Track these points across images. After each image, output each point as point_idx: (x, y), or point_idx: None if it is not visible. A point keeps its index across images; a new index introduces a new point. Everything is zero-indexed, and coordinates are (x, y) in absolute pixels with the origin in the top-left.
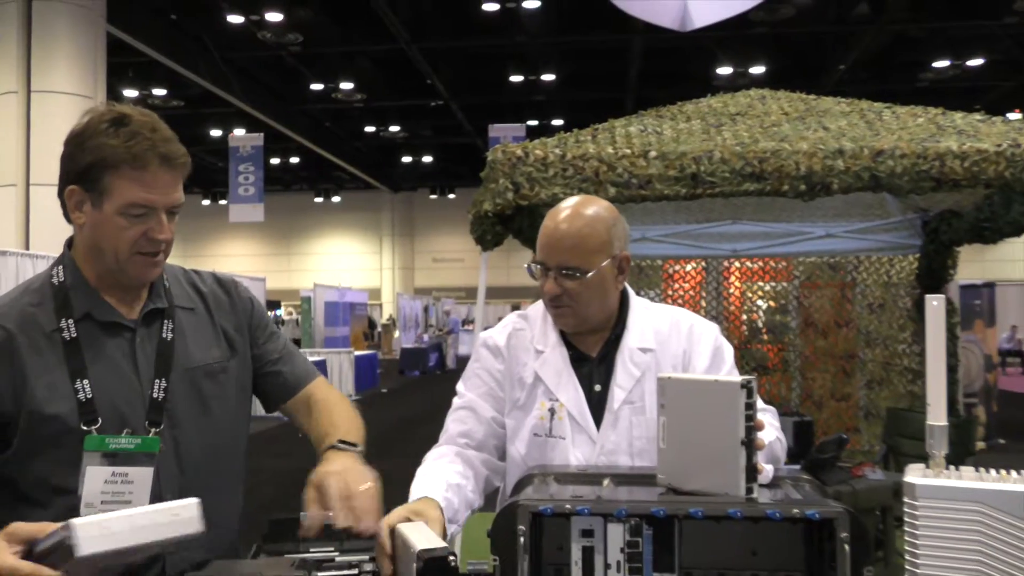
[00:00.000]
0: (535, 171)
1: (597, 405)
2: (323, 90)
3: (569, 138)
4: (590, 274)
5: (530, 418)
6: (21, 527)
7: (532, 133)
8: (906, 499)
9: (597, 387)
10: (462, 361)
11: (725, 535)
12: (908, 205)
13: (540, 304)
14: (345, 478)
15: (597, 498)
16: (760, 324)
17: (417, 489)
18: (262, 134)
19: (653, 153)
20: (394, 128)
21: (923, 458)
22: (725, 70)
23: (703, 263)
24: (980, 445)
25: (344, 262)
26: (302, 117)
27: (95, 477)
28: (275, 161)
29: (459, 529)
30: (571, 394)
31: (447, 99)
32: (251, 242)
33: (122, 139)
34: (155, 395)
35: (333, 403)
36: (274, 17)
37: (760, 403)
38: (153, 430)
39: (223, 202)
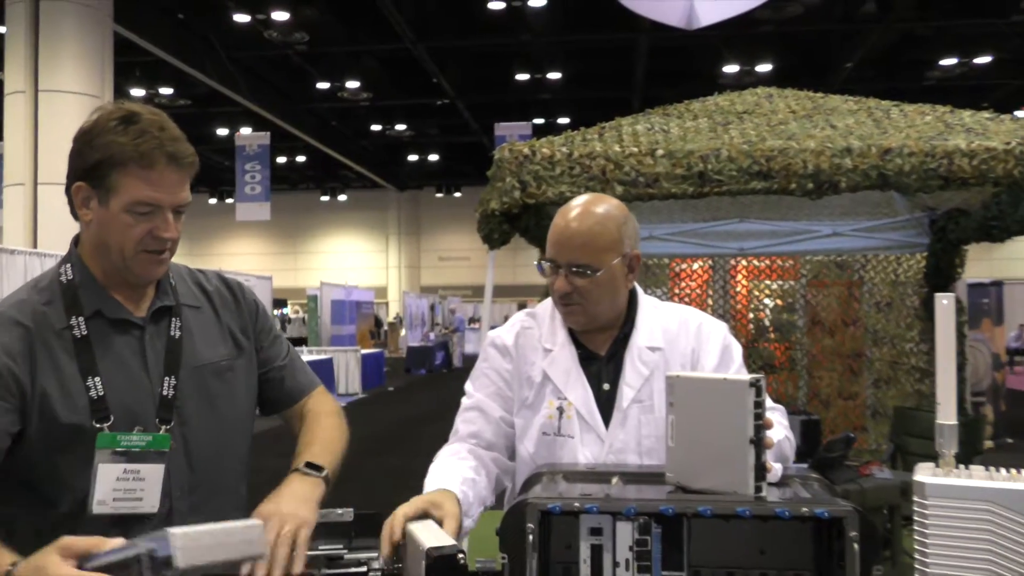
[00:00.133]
0: (542, 169)
1: (606, 404)
2: (329, 89)
3: (576, 136)
4: (601, 272)
5: (539, 417)
6: (76, 541)
7: (538, 132)
8: (916, 498)
9: (606, 386)
10: (468, 360)
11: (734, 534)
12: (916, 203)
13: (548, 303)
14: (281, 521)
15: (606, 496)
16: (767, 323)
17: (432, 482)
18: (268, 133)
19: (660, 151)
20: (400, 127)
21: (931, 457)
22: (732, 68)
23: (710, 261)
24: (988, 444)
25: (350, 261)
26: (308, 116)
27: (107, 474)
28: (281, 160)
29: (473, 524)
30: (580, 393)
31: (453, 98)
32: (258, 241)
33: (131, 137)
34: (165, 393)
35: (321, 417)
36: (280, 16)
37: (769, 402)
38: (163, 427)
39: (229, 201)
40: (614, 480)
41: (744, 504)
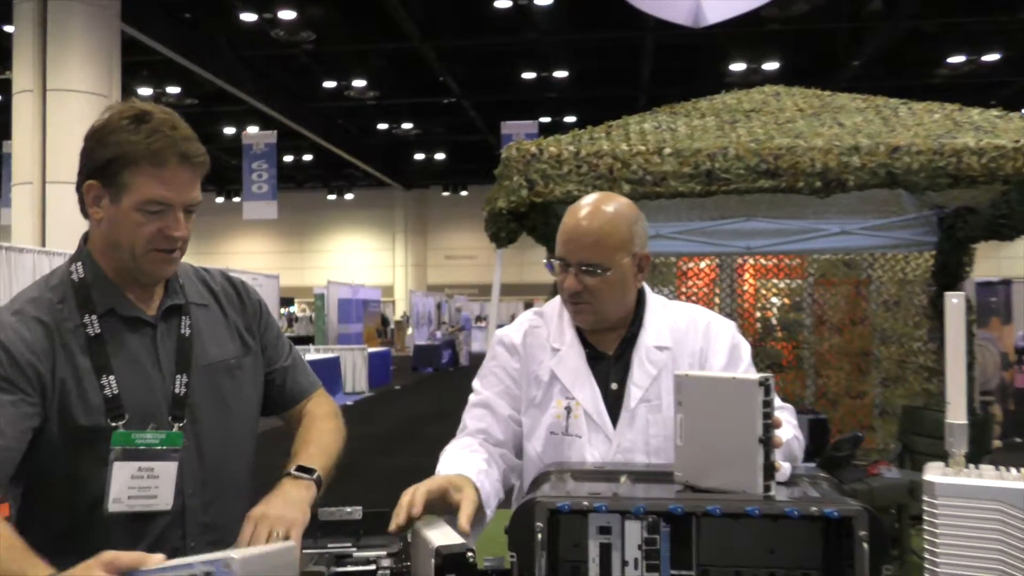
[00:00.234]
0: (549, 168)
1: (613, 403)
2: (336, 88)
3: (583, 135)
4: (611, 271)
5: (546, 416)
6: (120, 556)
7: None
8: (925, 497)
9: (614, 385)
10: (475, 358)
11: (743, 533)
12: (924, 202)
13: (556, 301)
14: (271, 523)
15: (614, 495)
16: (774, 321)
17: (447, 469)
18: (275, 132)
19: (668, 150)
20: (406, 125)
21: (939, 456)
22: (738, 67)
23: (717, 260)
24: (996, 443)
25: (357, 259)
26: (315, 115)
27: (122, 472)
28: (288, 159)
29: (492, 515)
30: (587, 392)
31: (459, 96)
32: (264, 239)
33: (142, 135)
34: (177, 391)
35: (317, 419)
36: (287, 15)
37: (777, 401)
38: (176, 425)
39: (237, 199)
40: (623, 479)
41: (753, 503)
